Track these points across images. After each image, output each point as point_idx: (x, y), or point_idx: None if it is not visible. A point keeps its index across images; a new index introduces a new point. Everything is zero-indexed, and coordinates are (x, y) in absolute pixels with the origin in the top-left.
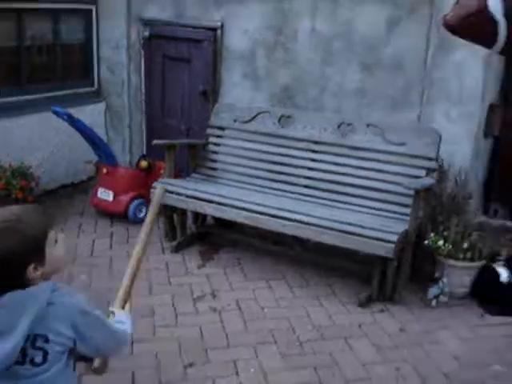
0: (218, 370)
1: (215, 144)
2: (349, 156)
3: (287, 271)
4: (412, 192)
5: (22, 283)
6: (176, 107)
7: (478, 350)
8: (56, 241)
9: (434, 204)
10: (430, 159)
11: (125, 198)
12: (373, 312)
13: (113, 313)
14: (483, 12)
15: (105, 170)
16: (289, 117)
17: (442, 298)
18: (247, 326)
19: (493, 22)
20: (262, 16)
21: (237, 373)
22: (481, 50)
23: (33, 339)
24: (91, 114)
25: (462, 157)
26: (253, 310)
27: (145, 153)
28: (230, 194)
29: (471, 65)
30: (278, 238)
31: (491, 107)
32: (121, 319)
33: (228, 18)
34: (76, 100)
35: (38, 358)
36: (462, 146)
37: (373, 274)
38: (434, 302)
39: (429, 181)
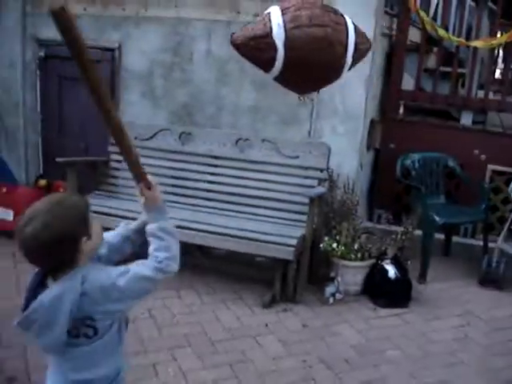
0: (138, 374)
1: (116, 161)
2: (247, 169)
3: (194, 280)
4: (307, 200)
5: (75, 260)
6: (74, 126)
7: (373, 339)
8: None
9: (326, 211)
10: (321, 170)
11: None
12: (277, 312)
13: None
14: (266, 37)
15: (4, 190)
16: (189, 134)
17: (338, 296)
18: (162, 332)
19: (274, 48)
20: (159, 38)
21: (157, 375)
22: (362, 72)
23: (81, 320)
24: None
25: (349, 167)
26: (165, 318)
27: (42, 172)
28: (132, 207)
29: (354, 85)
30: (183, 249)
31: (372, 123)
32: (160, 228)
33: (125, 39)
34: None
35: (90, 332)
36: (348, 157)
37: (275, 277)
38: (331, 300)
39: (321, 189)
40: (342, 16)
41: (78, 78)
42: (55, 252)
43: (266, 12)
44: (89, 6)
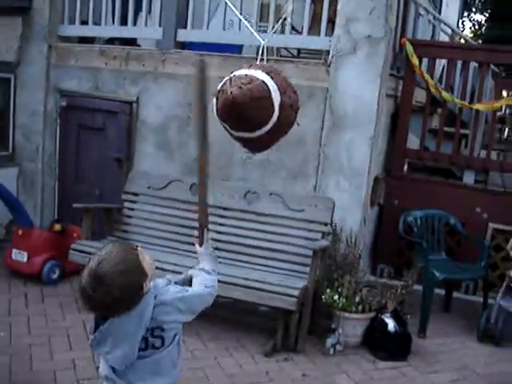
0: None
1: (129, 209)
2: (254, 221)
3: (199, 327)
4: (310, 253)
5: (142, 296)
6: (90, 173)
7: None
8: (143, 256)
9: (328, 263)
10: (325, 224)
11: (39, 259)
12: (278, 361)
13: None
14: (266, 98)
15: (20, 232)
16: None
17: (338, 347)
18: None
19: (272, 106)
20: (175, 93)
21: None
22: (367, 131)
23: (151, 331)
24: (4, 177)
25: (353, 222)
26: None
27: (57, 216)
28: None
29: (359, 143)
30: None
31: (376, 179)
32: (204, 268)
33: (143, 93)
34: None
35: (158, 343)
36: (352, 212)
37: (277, 326)
38: (331, 351)
39: (324, 243)
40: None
41: (95, 128)
42: (126, 303)
43: (249, 73)
44: (110, 61)
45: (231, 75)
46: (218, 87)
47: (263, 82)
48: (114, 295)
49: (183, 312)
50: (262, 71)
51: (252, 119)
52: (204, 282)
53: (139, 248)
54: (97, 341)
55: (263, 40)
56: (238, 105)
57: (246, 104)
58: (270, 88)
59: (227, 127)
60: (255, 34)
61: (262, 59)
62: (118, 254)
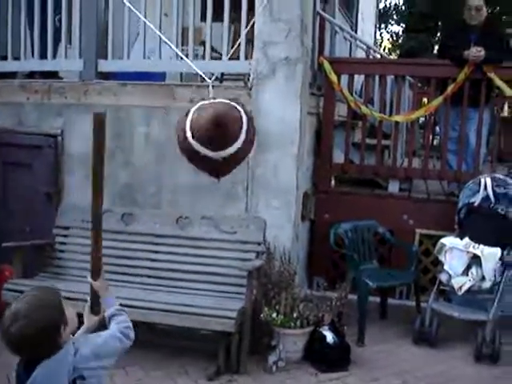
0: None
1: (61, 243)
2: (188, 246)
3: (140, 356)
4: (245, 273)
5: (59, 344)
6: (19, 210)
7: None
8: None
9: (264, 281)
10: (258, 243)
11: None
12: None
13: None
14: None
15: None
16: (131, 214)
17: (281, 364)
18: None
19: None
20: None
21: None
22: (292, 150)
23: (73, 382)
24: None
25: (285, 239)
26: None
27: None
28: (78, 289)
29: (284, 162)
30: None
31: (305, 195)
32: (116, 310)
33: (67, 125)
34: None
35: None
36: (284, 230)
37: (218, 349)
38: (273, 368)
39: (258, 262)
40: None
41: (21, 164)
42: (41, 344)
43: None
44: (31, 95)
45: (199, 104)
46: (189, 117)
47: (235, 107)
48: (29, 331)
49: (101, 357)
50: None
51: (230, 131)
52: (117, 325)
53: (62, 299)
54: None
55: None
56: (221, 117)
57: (228, 115)
58: (241, 112)
59: (204, 148)
60: (193, 66)
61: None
62: (39, 293)
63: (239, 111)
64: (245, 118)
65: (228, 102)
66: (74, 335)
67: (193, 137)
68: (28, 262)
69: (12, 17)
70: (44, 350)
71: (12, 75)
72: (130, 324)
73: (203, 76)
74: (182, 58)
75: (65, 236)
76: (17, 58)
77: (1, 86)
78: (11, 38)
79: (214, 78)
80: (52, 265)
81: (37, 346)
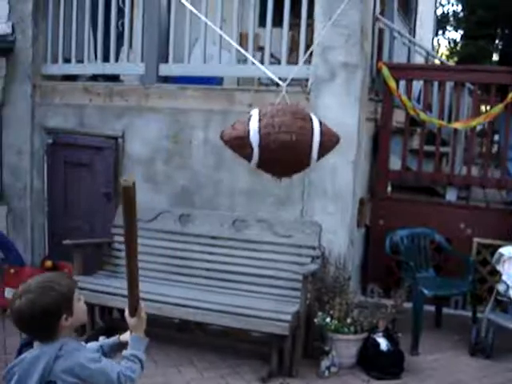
0: None
1: (120, 242)
2: (243, 248)
3: (194, 356)
4: (300, 277)
5: (56, 332)
6: (79, 209)
7: None
8: (79, 298)
9: (319, 286)
10: (313, 248)
11: None
12: None
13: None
14: (245, 139)
15: (12, 271)
16: (188, 215)
17: (333, 369)
18: None
19: (251, 148)
20: (159, 126)
21: None
22: (349, 155)
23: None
24: None
25: (340, 244)
26: None
27: (48, 253)
28: None
29: (342, 167)
30: (182, 326)
31: (361, 201)
32: (133, 354)
33: (128, 127)
34: None
35: None
36: (339, 235)
37: (271, 352)
38: (326, 373)
39: (314, 266)
40: (311, 120)
41: (82, 164)
42: (37, 324)
43: (249, 115)
44: (94, 97)
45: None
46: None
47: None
48: (28, 308)
49: (81, 380)
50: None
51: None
52: (123, 368)
53: (77, 292)
54: (6, 377)
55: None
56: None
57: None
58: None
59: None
60: (269, 73)
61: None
62: (54, 277)
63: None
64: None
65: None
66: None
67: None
68: (87, 259)
69: (76, 21)
70: (39, 333)
71: (74, 78)
72: (137, 377)
73: (277, 81)
74: (241, 63)
75: (123, 235)
76: (80, 61)
77: (64, 87)
78: (75, 42)
79: (287, 82)
80: (110, 263)
81: (33, 326)
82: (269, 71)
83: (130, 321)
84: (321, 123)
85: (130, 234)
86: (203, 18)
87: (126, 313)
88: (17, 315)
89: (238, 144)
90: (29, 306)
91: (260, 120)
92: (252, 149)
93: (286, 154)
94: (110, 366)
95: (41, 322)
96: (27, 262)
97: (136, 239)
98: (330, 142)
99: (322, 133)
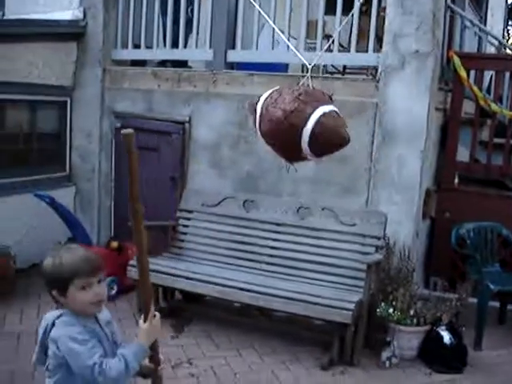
0: None
1: (184, 226)
2: (307, 236)
3: (254, 340)
4: (364, 266)
5: (56, 300)
6: (145, 192)
7: None
8: (84, 288)
9: (382, 277)
10: (377, 238)
11: None
12: (334, 374)
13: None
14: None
15: None
16: (252, 201)
17: (394, 360)
18: None
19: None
20: (226, 112)
21: None
22: (418, 144)
23: (44, 347)
24: (62, 197)
25: (405, 235)
26: (227, 375)
27: (113, 234)
28: (200, 270)
29: (409, 157)
30: (243, 310)
31: (427, 192)
32: (122, 354)
33: (195, 113)
34: (49, 184)
35: (48, 366)
36: (404, 226)
37: (333, 340)
38: (387, 364)
39: (378, 256)
40: (315, 108)
41: (149, 148)
42: (50, 285)
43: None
44: (162, 83)
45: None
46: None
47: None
48: (43, 270)
49: (61, 352)
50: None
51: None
52: (106, 364)
53: (87, 279)
54: None
55: (309, 62)
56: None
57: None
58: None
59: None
60: (301, 57)
61: (313, 77)
62: (76, 249)
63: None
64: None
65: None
66: None
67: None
68: (152, 241)
69: (146, 7)
70: (51, 294)
71: (143, 63)
72: (112, 375)
73: (306, 64)
74: (307, 50)
75: (187, 219)
76: (149, 47)
77: (134, 73)
78: (144, 28)
79: (312, 64)
80: (174, 246)
81: (47, 285)
82: (337, 58)
83: (141, 326)
84: (327, 116)
85: (133, 187)
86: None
87: (141, 318)
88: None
89: (251, 108)
90: (45, 267)
91: (272, 92)
92: (256, 115)
93: (276, 132)
94: (88, 353)
95: (51, 284)
96: (93, 242)
97: (137, 196)
98: (326, 137)
99: (318, 124)
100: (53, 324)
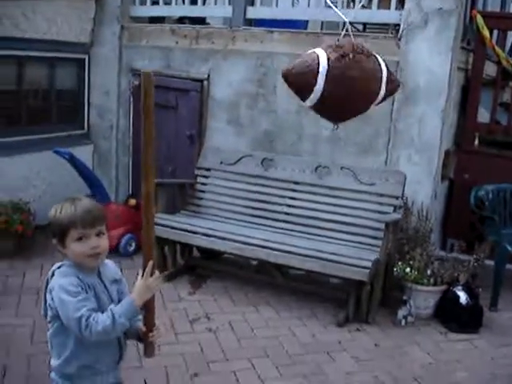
0: (220, 380)
1: (202, 184)
2: (325, 195)
3: (271, 297)
4: (381, 226)
5: (63, 248)
6: (162, 150)
7: (442, 361)
8: (80, 239)
9: (399, 237)
10: (396, 197)
11: (116, 233)
12: (350, 331)
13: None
14: (310, 71)
15: None
16: (271, 160)
17: (410, 319)
18: (241, 343)
19: (315, 79)
20: (245, 70)
21: (237, 380)
22: (438, 104)
23: (45, 296)
24: (80, 155)
25: (424, 196)
26: (244, 330)
27: (131, 192)
28: (218, 227)
29: (430, 116)
30: (260, 268)
31: (447, 153)
32: (112, 310)
33: (213, 70)
34: (67, 141)
35: (47, 317)
36: (423, 186)
37: (349, 298)
38: (402, 322)
39: (396, 216)
40: (377, 60)
41: (167, 106)
42: (52, 232)
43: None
44: (180, 40)
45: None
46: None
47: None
48: (49, 216)
49: (54, 302)
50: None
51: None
52: (94, 317)
53: (83, 231)
54: None
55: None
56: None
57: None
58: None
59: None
60: (339, 13)
61: (347, 35)
62: (78, 199)
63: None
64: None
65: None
66: None
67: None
68: (171, 199)
69: None
70: (52, 241)
71: (161, 20)
72: (99, 329)
73: (344, 18)
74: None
75: (205, 177)
76: (167, 3)
77: (152, 29)
78: None
79: (348, 20)
80: (193, 203)
81: (49, 232)
82: (359, 15)
83: (138, 282)
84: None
85: (148, 130)
86: None
87: (140, 274)
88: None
89: (301, 77)
90: (50, 213)
91: (330, 54)
92: (315, 82)
93: (352, 91)
94: (75, 305)
95: (53, 231)
96: (112, 199)
97: (152, 129)
98: (393, 86)
99: (388, 77)
100: (52, 274)
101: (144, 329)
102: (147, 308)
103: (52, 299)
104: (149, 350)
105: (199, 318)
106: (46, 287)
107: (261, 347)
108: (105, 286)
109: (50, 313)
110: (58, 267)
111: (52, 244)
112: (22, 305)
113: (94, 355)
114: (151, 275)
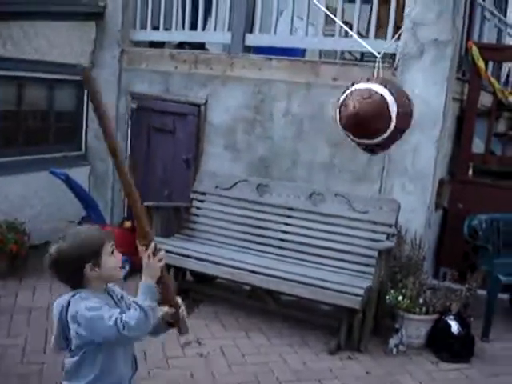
0: None
1: (197, 208)
2: (319, 222)
3: (262, 323)
4: (374, 253)
5: (82, 281)
6: (159, 173)
7: None
8: (112, 252)
9: (392, 264)
10: (389, 225)
11: None
12: (341, 359)
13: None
14: (382, 111)
15: None
16: (266, 186)
17: (401, 348)
18: (232, 368)
19: (389, 116)
20: (242, 96)
21: None
22: (433, 134)
23: (63, 329)
24: (77, 176)
25: (417, 224)
26: (235, 356)
27: (126, 214)
28: (211, 251)
29: (424, 146)
30: (251, 293)
31: (441, 182)
32: (135, 302)
33: (211, 95)
34: (64, 162)
35: (70, 347)
36: (416, 215)
37: (340, 325)
38: (394, 351)
39: (389, 244)
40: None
41: (165, 130)
42: (63, 272)
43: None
44: (179, 65)
45: (352, 88)
46: (340, 100)
47: (382, 95)
48: (57, 255)
49: (80, 326)
50: (380, 84)
51: (372, 129)
52: (125, 316)
53: (112, 244)
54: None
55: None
56: (360, 118)
57: (367, 117)
58: (388, 101)
59: (350, 135)
60: (367, 46)
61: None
62: (85, 230)
63: (386, 103)
64: (393, 106)
65: (375, 92)
66: None
67: (340, 120)
68: (166, 222)
69: None
70: (66, 280)
71: (161, 45)
72: (137, 326)
73: (374, 53)
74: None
75: (201, 201)
76: (167, 29)
77: (151, 54)
78: (163, 10)
79: (381, 54)
80: (187, 227)
81: (60, 272)
82: (356, 45)
83: (144, 258)
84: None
85: (105, 125)
86: None
87: (145, 257)
88: (47, 261)
89: (377, 117)
90: (56, 252)
91: (389, 90)
92: (391, 119)
93: (406, 122)
94: (106, 315)
95: (66, 270)
96: (107, 221)
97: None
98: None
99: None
100: (68, 304)
101: (170, 310)
102: (164, 286)
103: (79, 325)
104: (183, 327)
105: (190, 343)
106: (61, 318)
107: (251, 373)
108: (115, 303)
109: (76, 342)
110: (72, 296)
111: (44, 268)
112: (13, 325)
113: (118, 377)
114: (154, 255)
